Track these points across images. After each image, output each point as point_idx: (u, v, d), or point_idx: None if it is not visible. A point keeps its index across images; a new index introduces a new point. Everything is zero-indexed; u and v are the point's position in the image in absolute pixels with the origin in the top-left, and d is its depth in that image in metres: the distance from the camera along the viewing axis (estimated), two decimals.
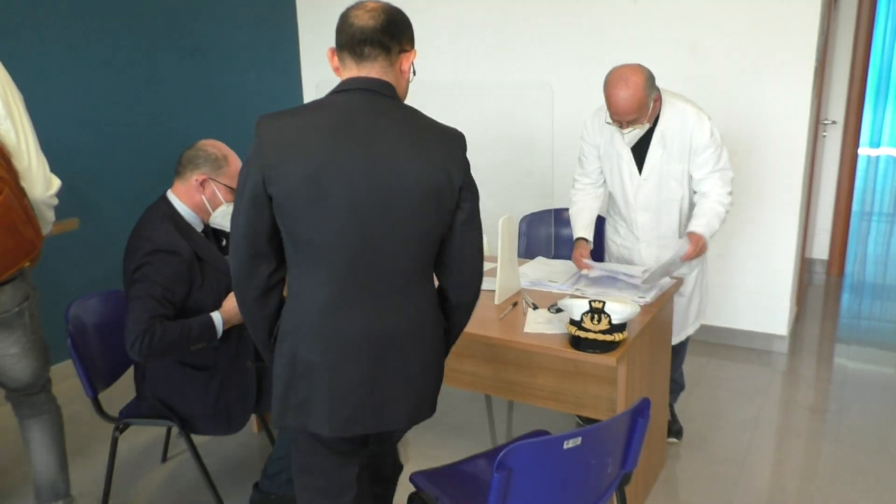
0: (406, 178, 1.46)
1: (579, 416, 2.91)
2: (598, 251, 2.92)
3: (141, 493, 2.63)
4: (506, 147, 4.14)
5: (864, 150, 6.47)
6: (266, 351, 1.66)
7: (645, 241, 2.70)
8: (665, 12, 3.59)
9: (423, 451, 2.82)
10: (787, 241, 3.60)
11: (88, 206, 3.54)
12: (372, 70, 1.51)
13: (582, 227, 2.70)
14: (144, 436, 2.98)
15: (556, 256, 3.16)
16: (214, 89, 4.18)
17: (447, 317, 1.68)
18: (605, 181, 2.76)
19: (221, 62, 4.21)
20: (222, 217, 2.26)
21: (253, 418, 2.97)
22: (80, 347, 2.23)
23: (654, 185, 2.61)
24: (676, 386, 2.92)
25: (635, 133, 2.49)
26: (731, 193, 2.55)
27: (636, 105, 2.36)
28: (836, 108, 4.74)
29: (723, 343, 3.85)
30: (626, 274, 2.50)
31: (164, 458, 2.83)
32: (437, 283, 1.68)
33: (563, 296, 2.41)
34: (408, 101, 1.60)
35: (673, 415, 2.92)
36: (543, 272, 2.70)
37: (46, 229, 2.10)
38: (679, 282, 2.60)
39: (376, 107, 1.49)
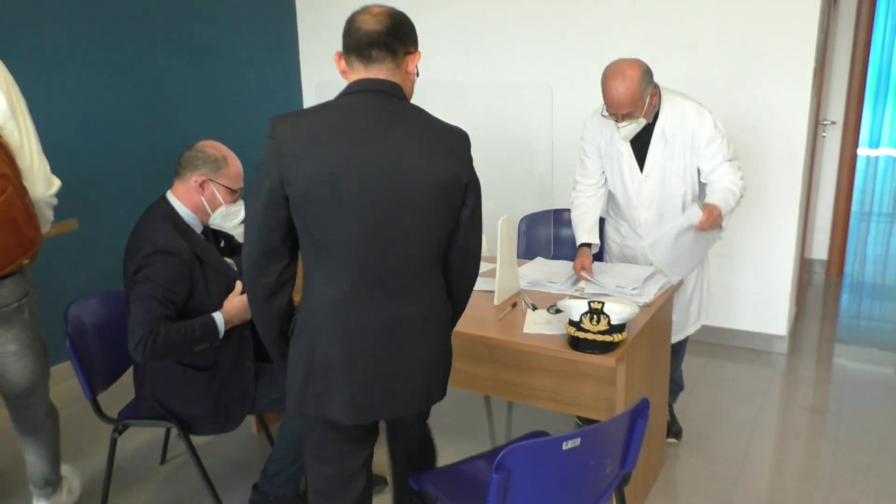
0: (417, 176, 1.52)
1: (578, 417, 2.91)
2: (599, 251, 2.91)
3: (140, 494, 2.63)
4: (505, 147, 4.14)
5: (863, 151, 6.45)
6: (274, 349, 1.70)
7: (648, 239, 2.69)
8: (665, 12, 3.59)
9: None
10: (787, 241, 3.60)
11: (88, 206, 3.54)
12: (379, 72, 1.56)
13: (585, 232, 2.70)
14: (143, 437, 2.98)
15: (555, 257, 3.15)
16: (214, 90, 4.18)
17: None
18: (606, 181, 2.76)
19: (221, 62, 4.21)
20: (221, 218, 2.26)
21: (253, 419, 2.97)
22: (80, 348, 2.23)
23: (657, 181, 2.61)
24: (676, 386, 2.92)
25: (631, 128, 2.49)
26: (742, 179, 2.56)
27: (631, 98, 2.38)
28: (836, 108, 4.73)
29: (722, 343, 3.85)
30: (617, 286, 2.45)
31: (164, 460, 2.83)
32: None
33: (562, 296, 2.40)
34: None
35: (672, 415, 2.92)
36: (543, 273, 2.70)
37: (45, 228, 2.13)
38: (679, 283, 2.60)
39: (387, 107, 1.54)
